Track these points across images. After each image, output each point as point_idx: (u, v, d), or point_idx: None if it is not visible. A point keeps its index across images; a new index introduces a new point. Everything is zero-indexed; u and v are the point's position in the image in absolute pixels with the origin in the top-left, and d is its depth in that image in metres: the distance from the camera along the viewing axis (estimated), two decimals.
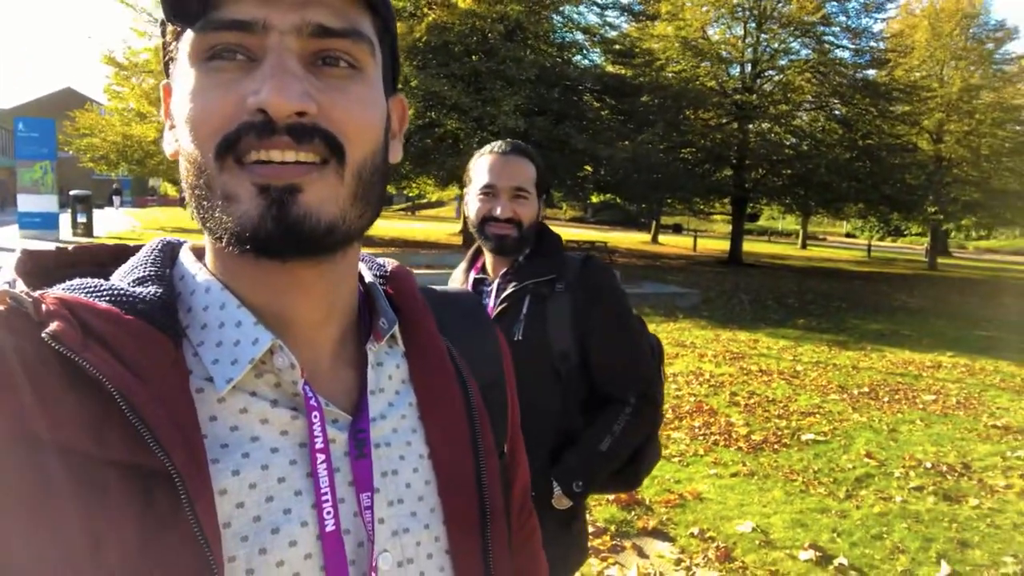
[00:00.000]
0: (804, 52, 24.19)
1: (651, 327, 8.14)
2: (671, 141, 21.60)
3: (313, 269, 0.61)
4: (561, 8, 20.50)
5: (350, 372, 0.67)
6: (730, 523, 4.21)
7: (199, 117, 0.56)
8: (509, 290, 1.90)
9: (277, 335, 0.61)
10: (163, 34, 0.62)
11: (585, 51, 22.02)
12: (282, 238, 0.56)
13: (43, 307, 0.53)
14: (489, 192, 1.86)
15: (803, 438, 5.84)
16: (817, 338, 10.62)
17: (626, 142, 19.10)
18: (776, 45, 23.97)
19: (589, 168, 19.83)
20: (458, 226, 26.47)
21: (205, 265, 0.64)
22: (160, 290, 0.60)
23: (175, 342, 0.58)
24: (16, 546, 0.48)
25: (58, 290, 0.56)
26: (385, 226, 27.42)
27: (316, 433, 0.61)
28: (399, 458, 0.67)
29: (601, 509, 4.30)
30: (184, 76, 0.58)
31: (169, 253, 0.66)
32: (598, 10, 21.51)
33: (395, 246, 18.06)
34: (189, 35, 0.57)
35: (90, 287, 0.58)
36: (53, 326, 0.51)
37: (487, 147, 1.94)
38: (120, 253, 0.67)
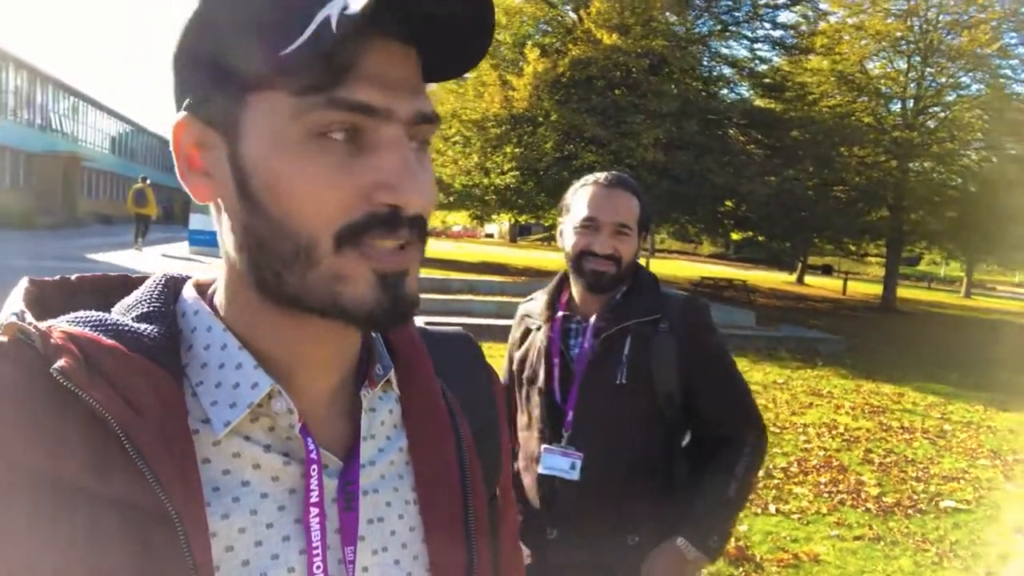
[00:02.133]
0: (975, 87, 22.46)
1: (785, 374, 7.82)
2: (821, 178, 20.62)
3: (339, 323, 0.61)
4: (708, 43, 20.25)
5: (342, 418, 0.68)
6: None
7: (311, 197, 0.56)
8: (611, 330, 1.84)
9: (276, 379, 0.62)
10: (196, 70, 0.59)
11: (732, 84, 21.57)
12: (394, 318, 0.59)
13: (50, 340, 0.54)
14: (589, 225, 1.79)
15: (942, 505, 5.36)
16: (971, 396, 9.72)
17: (772, 178, 18.45)
18: (943, 79, 22.39)
19: (730, 203, 19.30)
20: None
21: (208, 303, 0.65)
22: (164, 328, 0.61)
23: (176, 381, 0.59)
24: None
25: (63, 323, 0.57)
26: (520, 255, 27.85)
27: (312, 486, 0.62)
28: (385, 504, 0.67)
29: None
30: (276, 142, 0.56)
31: (173, 288, 0.67)
32: (748, 44, 21.05)
33: (527, 275, 18.30)
34: (289, 101, 0.55)
35: (95, 321, 0.59)
36: (61, 362, 0.52)
37: (589, 177, 1.88)
38: (124, 283, 0.69)
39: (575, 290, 1.92)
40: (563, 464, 1.83)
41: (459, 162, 18.66)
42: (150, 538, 0.52)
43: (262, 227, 0.58)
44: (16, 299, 0.59)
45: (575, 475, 1.82)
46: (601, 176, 1.86)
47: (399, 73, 0.57)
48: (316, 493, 0.61)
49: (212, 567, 0.55)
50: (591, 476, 1.80)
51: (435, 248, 25.97)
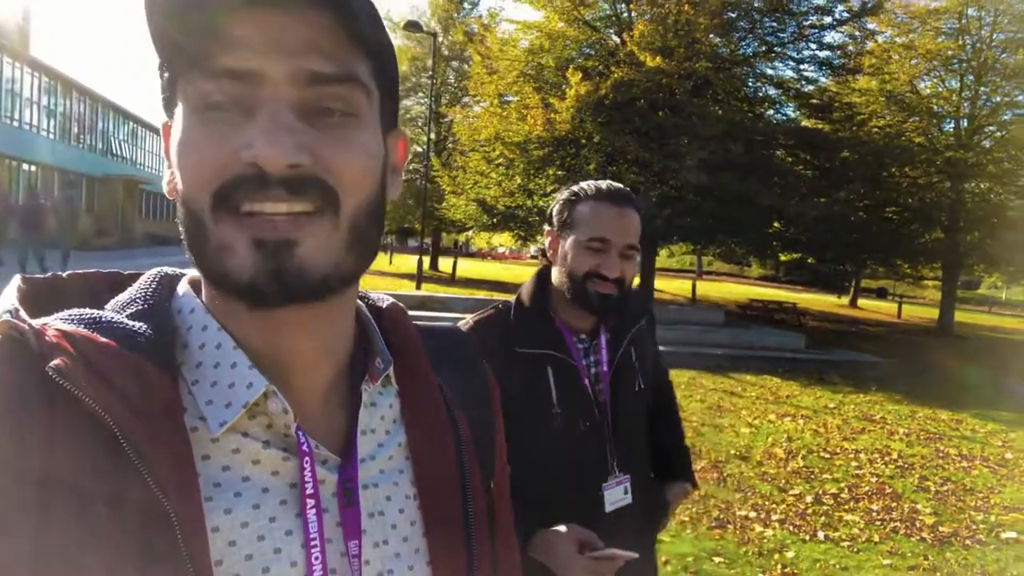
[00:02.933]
0: None
1: (837, 398, 7.64)
2: (872, 199, 20.17)
3: (307, 312, 0.61)
4: (753, 64, 20.06)
5: (342, 412, 0.68)
6: None
7: (194, 166, 0.57)
8: (624, 342, 1.80)
9: (271, 377, 0.61)
10: (160, 75, 0.62)
11: (778, 105, 21.29)
12: (277, 291, 0.57)
13: (44, 338, 0.53)
14: (599, 248, 1.66)
15: (1003, 536, 5.12)
16: None
17: (821, 199, 18.12)
18: (998, 98, 21.77)
19: (778, 225, 18.99)
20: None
21: (203, 300, 0.65)
22: (158, 325, 0.61)
23: (172, 379, 0.59)
24: None
25: (58, 321, 0.57)
26: None
27: (307, 479, 0.62)
28: (386, 499, 0.67)
29: None
30: (181, 122, 0.59)
31: (167, 285, 0.67)
32: (794, 64, 20.79)
33: None
34: (184, 82, 0.58)
35: (89, 319, 0.58)
36: (56, 360, 0.52)
37: (588, 186, 1.72)
38: (115, 281, 0.69)
39: (562, 308, 1.73)
40: (620, 494, 1.75)
41: (502, 184, 18.76)
42: (147, 536, 0.52)
43: (179, 209, 0.60)
44: (9, 297, 0.58)
45: (629, 498, 1.76)
46: (604, 187, 1.70)
47: (279, 35, 0.56)
48: (311, 486, 0.61)
49: (210, 564, 0.55)
50: (634, 489, 1.78)
51: (481, 269, 26.14)
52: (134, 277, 0.68)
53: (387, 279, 21.54)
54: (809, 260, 21.10)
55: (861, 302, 32.71)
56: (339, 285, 0.61)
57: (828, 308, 27.87)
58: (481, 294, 15.79)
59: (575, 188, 1.74)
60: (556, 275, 1.73)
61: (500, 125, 18.22)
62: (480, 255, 54.77)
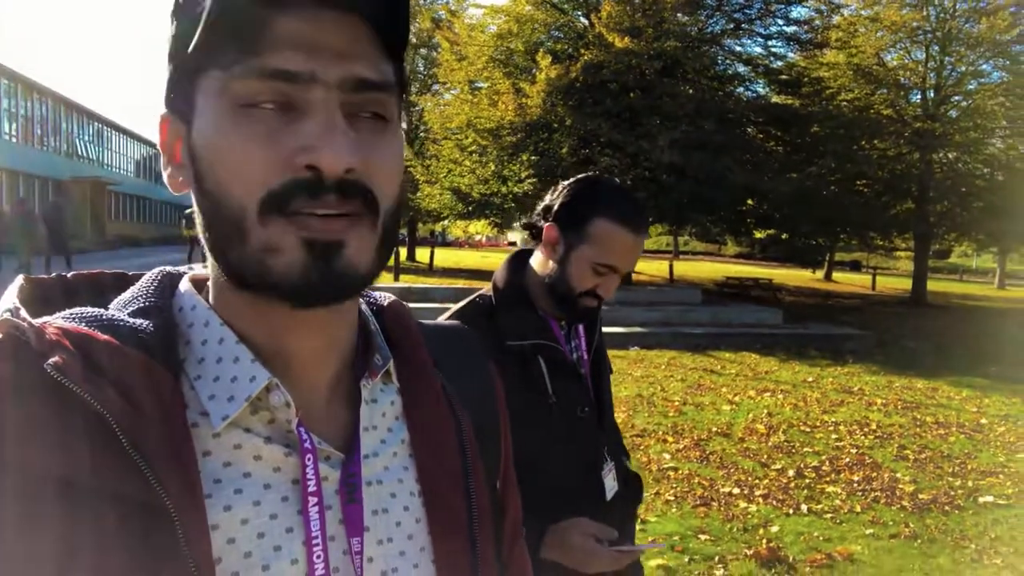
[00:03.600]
0: (996, 75, 22.04)
1: (815, 372, 7.72)
2: (843, 173, 20.35)
3: (322, 312, 0.61)
4: (722, 42, 20.11)
5: (344, 409, 0.67)
6: None
7: (238, 167, 0.56)
8: (596, 326, 1.79)
9: (274, 372, 0.61)
10: (173, 67, 0.61)
11: (748, 82, 21.38)
12: (327, 291, 0.57)
13: (44, 337, 0.53)
14: (606, 273, 1.59)
15: (981, 500, 5.22)
16: (1008, 389, 9.46)
17: (793, 175, 18.24)
18: (963, 68, 22.01)
19: (751, 202, 19.12)
20: None
21: (205, 297, 0.65)
22: (160, 322, 0.61)
23: (174, 375, 0.58)
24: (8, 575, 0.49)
25: (59, 319, 0.57)
26: None
27: (309, 476, 0.61)
28: (390, 496, 0.67)
29: (738, 564, 4.06)
30: (212, 118, 0.57)
31: (169, 283, 0.67)
32: (762, 41, 20.88)
33: None
34: (219, 76, 0.56)
35: (90, 316, 0.58)
36: (55, 357, 0.52)
37: (608, 197, 1.61)
38: (121, 281, 0.69)
39: (541, 296, 1.66)
40: (612, 481, 1.71)
41: (476, 171, 18.67)
42: (148, 533, 0.52)
43: (208, 206, 0.58)
44: (11, 297, 0.58)
45: (617, 485, 1.72)
46: (625, 208, 1.59)
47: (328, 38, 0.56)
48: (313, 482, 0.61)
49: (212, 561, 0.54)
50: (618, 474, 1.75)
51: (459, 258, 26.09)
52: (139, 277, 0.68)
53: None
54: (784, 236, 21.23)
55: (836, 275, 33.09)
56: (372, 283, 0.62)
57: (804, 283, 28.17)
58: (460, 283, 15.75)
59: (593, 189, 1.62)
60: (546, 267, 1.64)
61: (471, 112, 18.13)
62: (457, 244, 54.63)
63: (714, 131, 17.08)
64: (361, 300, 0.74)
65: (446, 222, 22.29)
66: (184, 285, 0.67)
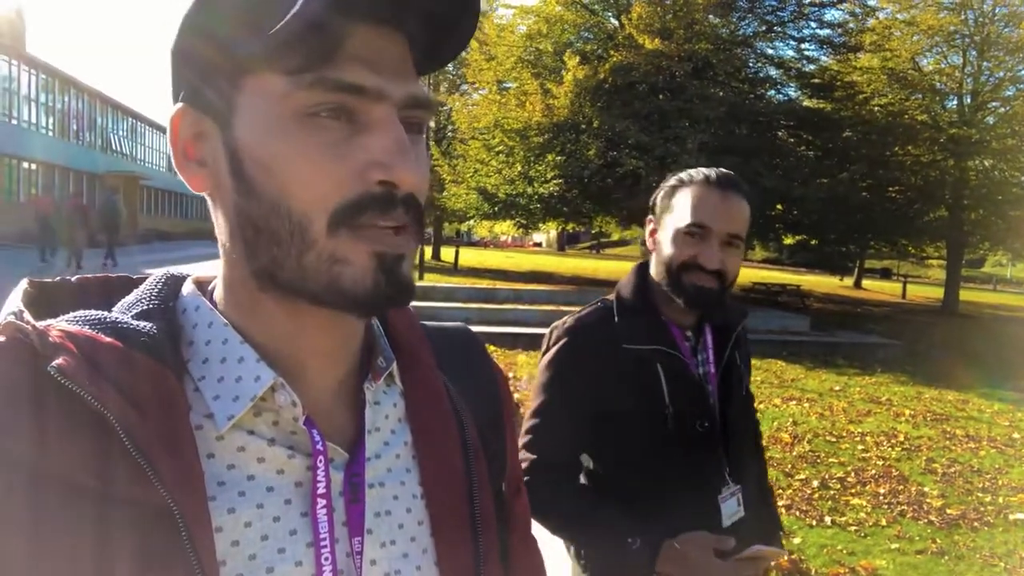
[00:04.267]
0: None
1: (842, 380, 7.57)
2: (875, 179, 20.04)
3: (339, 315, 0.62)
4: (754, 44, 19.90)
5: (348, 410, 0.67)
6: None
7: (306, 176, 0.56)
8: (730, 341, 1.66)
9: (282, 374, 0.61)
10: (196, 62, 0.60)
11: (780, 86, 21.14)
12: (396, 301, 0.60)
13: (48, 339, 0.53)
14: (697, 233, 1.52)
15: (1011, 517, 5.08)
16: None
17: (824, 180, 17.99)
18: (1001, 74, 21.56)
19: (780, 207, 18.89)
20: None
21: (208, 299, 0.65)
22: (163, 324, 0.61)
23: (177, 377, 0.59)
24: None
25: (62, 322, 0.57)
26: (568, 263, 27.77)
27: (319, 478, 0.61)
28: (393, 498, 0.67)
29: None
30: (268, 123, 0.57)
31: (173, 286, 0.67)
32: (794, 44, 20.63)
33: (574, 283, 18.20)
34: (282, 82, 0.56)
35: (94, 319, 0.59)
36: (58, 360, 0.52)
37: (694, 172, 1.59)
38: (125, 285, 0.69)
39: (664, 303, 1.61)
40: (734, 506, 1.59)
41: (503, 172, 18.65)
42: (153, 536, 0.52)
43: (257, 210, 0.58)
44: (15, 300, 0.59)
45: (743, 511, 1.60)
46: (711, 174, 1.56)
47: (389, 56, 0.58)
48: (323, 485, 0.61)
49: (216, 564, 0.55)
50: (745, 502, 1.63)
51: (483, 258, 26.12)
52: (142, 280, 0.69)
53: None
54: (813, 242, 20.95)
55: (865, 283, 32.62)
56: None
57: (832, 290, 27.80)
58: (484, 283, 15.75)
59: (680, 175, 1.62)
60: (654, 267, 1.62)
61: (499, 112, 18.12)
62: (482, 244, 54.73)
63: (744, 135, 16.91)
64: None
65: (472, 222, 22.30)
66: (187, 287, 0.67)
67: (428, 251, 23.38)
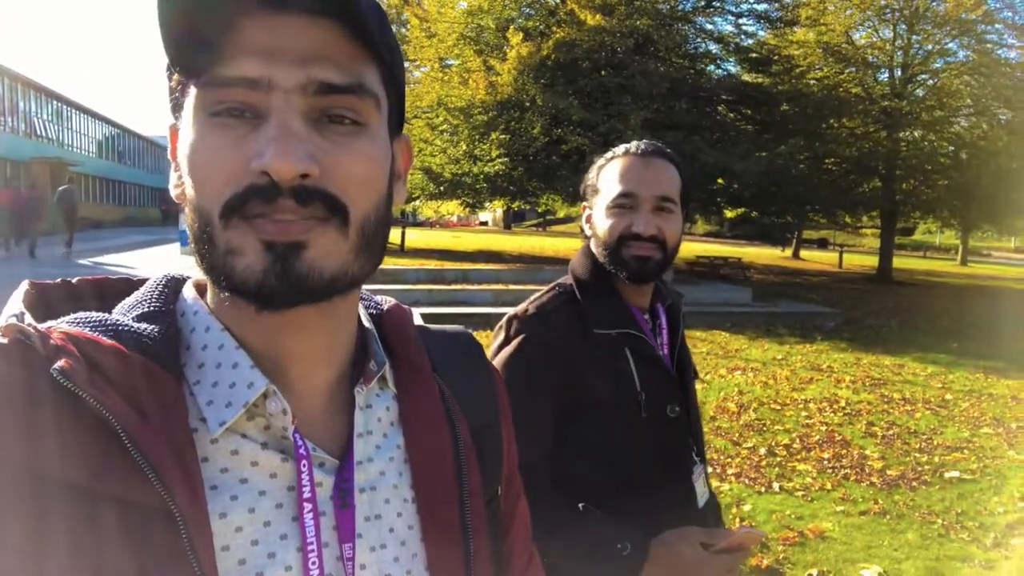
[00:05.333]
0: (962, 53, 22.31)
1: (784, 349, 7.72)
2: (813, 152, 20.52)
3: (311, 314, 0.62)
4: (693, 19, 20.05)
5: (340, 414, 0.67)
6: (854, 566, 3.89)
7: (204, 174, 0.58)
8: (681, 319, 1.64)
9: (272, 378, 0.62)
10: (168, 78, 0.62)
11: (719, 61, 21.39)
12: (285, 293, 0.58)
13: (49, 341, 0.54)
14: (625, 203, 1.49)
15: (947, 475, 5.32)
16: (971, 364, 9.68)
17: (763, 154, 18.34)
18: (930, 47, 22.23)
19: (721, 181, 19.20)
20: None
21: (207, 303, 0.65)
22: (164, 327, 0.62)
23: (176, 380, 0.59)
24: None
25: (63, 324, 0.57)
26: (516, 241, 27.76)
27: (304, 482, 0.61)
28: (384, 502, 0.67)
29: None
30: (190, 127, 0.59)
31: (173, 288, 0.68)
32: (732, 19, 20.87)
33: (522, 262, 18.21)
34: (193, 87, 0.58)
35: (95, 321, 0.59)
36: (60, 362, 0.52)
37: (618, 148, 1.57)
38: (125, 286, 0.69)
39: (619, 284, 1.57)
40: (702, 486, 1.57)
41: (447, 151, 18.49)
42: (153, 537, 0.53)
43: (188, 213, 0.60)
44: (16, 301, 0.59)
45: (707, 492, 1.59)
46: (631, 145, 1.54)
47: (289, 43, 0.57)
48: (308, 489, 0.61)
49: (216, 565, 0.55)
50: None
51: (430, 238, 25.92)
52: (143, 282, 0.69)
53: None
54: (753, 215, 21.39)
55: (803, 253, 33.52)
56: (344, 288, 0.62)
57: (772, 261, 28.49)
58: (432, 264, 15.64)
59: (604, 155, 1.60)
60: (595, 248, 1.57)
61: (442, 90, 17.90)
62: (429, 224, 54.37)
63: (685, 110, 17.07)
64: (361, 305, 0.75)
65: (417, 203, 22.09)
66: (187, 290, 0.67)
67: None
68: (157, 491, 0.53)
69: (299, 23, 0.57)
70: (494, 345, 1.54)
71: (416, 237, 25.34)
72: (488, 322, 7.85)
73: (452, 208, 22.94)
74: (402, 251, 19.21)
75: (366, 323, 0.73)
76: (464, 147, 18.20)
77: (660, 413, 1.50)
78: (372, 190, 0.62)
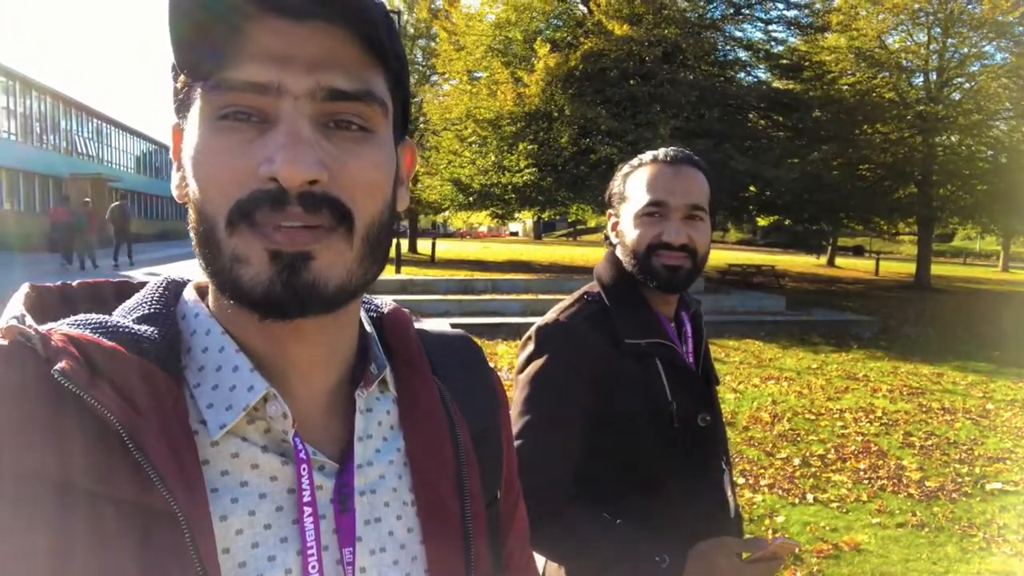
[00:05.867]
0: (1000, 56, 21.87)
1: (819, 358, 7.52)
2: (846, 158, 20.24)
3: (314, 322, 0.61)
4: (722, 27, 19.95)
5: (340, 418, 0.67)
6: None
7: (211, 178, 0.57)
8: (703, 329, 1.61)
9: (272, 381, 0.62)
10: (174, 79, 0.62)
11: (749, 68, 21.25)
12: (291, 304, 0.58)
13: (50, 343, 0.54)
14: (656, 212, 1.46)
15: (988, 487, 5.17)
16: (1014, 373, 9.41)
17: (796, 160, 18.13)
18: (966, 50, 21.83)
19: (753, 189, 19.02)
20: None
21: (207, 306, 0.65)
22: (164, 330, 0.62)
23: (176, 382, 0.59)
24: None
25: (64, 326, 0.57)
26: (546, 251, 27.80)
27: (304, 486, 0.61)
28: (384, 505, 0.67)
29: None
30: (196, 129, 0.59)
31: (174, 291, 0.67)
32: (762, 25, 20.70)
33: (552, 271, 18.20)
34: (200, 89, 0.58)
35: (95, 323, 0.59)
36: (62, 364, 0.52)
37: (646, 155, 1.54)
38: (124, 289, 0.69)
39: (646, 293, 1.53)
40: (729, 494, 1.53)
41: (476, 162, 18.58)
42: (155, 539, 0.53)
43: (192, 216, 0.60)
44: (16, 304, 0.59)
45: (734, 500, 1.55)
46: (660, 152, 1.51)
47: (300, 49, 0.57)
48: (308, 493, 0.61)
49: (218, 566, 0.55)
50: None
51: (460, 249, 26.05)
52: (142, 286, 0.69)
53: None
54: (786, 222, 21.15)
55: (839, 261, 33.01)
56: (349, 298, 0.62)
57: (806, 269, 28.10)
58: (461, 274, 15.70)
59: (630, 161, 1.57)
60: (623, 258, 1.53)
61: (471, 102, 18.04)
62: (459, 234, 54.54)
63: (715, 118, 16.95)
64: (361, 309, 0.74)
65: (447, 213, 22.21)
66: (188, 293, 0.67)
67: (405, 244, 23.26)
68: (160, 493, 0.52)
69: (309, 29, 0.57)
70: (522, 356, 1.50)
71: (447, 248, 25.47)
72: (517, 332, 7.84)
73: (482, 219, 23.01)
74: (432, 262, 19.32)
75: (367, 326, 0.73)
76: (493, 158, 18.28)
77: (691, 422, 1.47)
78: (377, 197, 0.62)
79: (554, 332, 1.48)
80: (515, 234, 60.44)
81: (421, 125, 24.94)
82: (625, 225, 1.52)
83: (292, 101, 0.57)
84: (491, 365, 0.85)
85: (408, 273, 16.27)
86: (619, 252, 1.56)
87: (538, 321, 1.53)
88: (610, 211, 1.60)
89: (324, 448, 0.65)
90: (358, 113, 0.60)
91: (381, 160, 0.62)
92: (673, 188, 1.46)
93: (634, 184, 1.51)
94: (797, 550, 1.34)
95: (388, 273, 17.11)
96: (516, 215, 22.29)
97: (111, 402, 0.53)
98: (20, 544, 0.49)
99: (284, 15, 0.57)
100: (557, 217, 25.45)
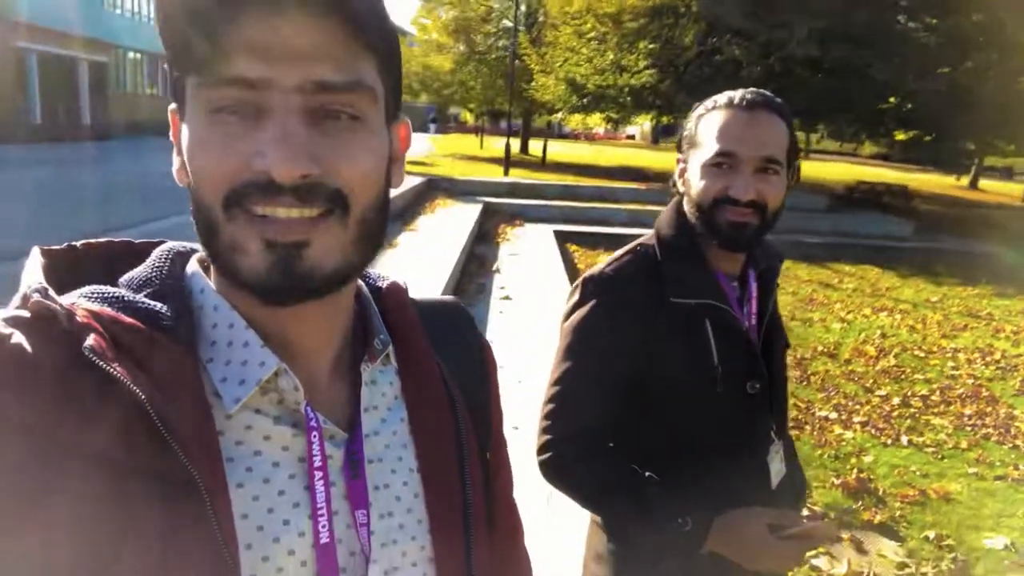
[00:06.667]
0: None
1: (941, 291, 7.09)
2: (1004, 68, 18.19)
3: (313, 304, 0.64)
4: None
5: (346, 390, 0.71)
6: (978, 534, 3.66)
7: (205, 168, 0.59)
8: (772, 288, 1.52)
9: (278, 355, 0.65)
10: (170, 70, 0.64)
11: None
12: (288, 290, 0.60)
13: (75, 319, 0.57)
14: (724, 162, 1.35)
15: None
16: None
17: (946, 69, 16.47)
18: None
19: (893, 101, 17.52)
20: None
21: (211, 279, 0.68)
22: (177, 305, 0.64)
23: (192, 357, 0.62)
24: (40, 549, 0.52)
25: (84, 300, 0.61)
26: (661, 159, 26.86)
27: (315, 452, 0.65)
28: (390, 472, 0.71)
29: (823, 492, 3.98)
30: (191, 119, 0.61)
31: (180, 264, 0.70)
32: None
33: (665, 181, 17.67)
34: (193, 82, 0.60)
35: (113, 298, 0.62)
36: (90, 340, 0.55)
37: (718, 97, 1.41)
38: (128, 251, 0.71)
39: (708, 248, 1.44)
40: (778, 464, 1.49)
41: (594, 61, 17.94)
42: (177, 507, 0.56)
43: (192, 202, 0.62)
44: (35, 273, 0.61)
45: (784, 469, 1.51)
46: (735, 95, 1.38)
47: (287, 41, 0.57)
48: (319, 459, 0.65)
49: (235, 532, 0.59)
50: (786, 456, 1.54)
51: (573, 152, 25.64)
52: (146, 247, 0.71)
53: (476, 164, 21.49)
54: (926, 138, 19.47)
55: (983, 183, 30.34)
56: (346, 279, 0.65)
57: (944, 190, 26.06)
58: (569, 179, 15.54)
59: (704, 102, 1.44)
60: (687, 209, 1.44)
61: None
62: (573, 136, 53.55)
63: (863, 23, 15.49)
64: (361, 282, 0.77)
65: (560, 115, 21.77)
66: (192, 267, 0.69)
67: (516, 144, 23.10)
68: (183, 463, 0.55)
69: (295, 22, 0.58)
70: (568, 305, 1.48)
71: (559, 150, 25.11)
72: (621, 243, 7.80)
73: (597, 121, 22.44)
74: (543, 165, 19.14)
75: (368, 300, 0.76)
76: (611, 56, 17.58)
77: (737, 388, 1.41)
78: (371, 182, 0.63)
79: (600, 283, 1.44)
80: (631, 137, 58.76)
81: (540, 18, 24.20)
82: (692, 174, 1.41)
83: (281, 95, 0.58)
84: (479, 331, 0.90)
85: (516, 175, 16.24)
86: (684, 202, 1.47)
87: (587, 271, 1.50)
88: (679, 156, 1.49)
89: (332, 419, 0.68)
90: (348, 103, 0.60)
91: (373, 146, 0.63)
92: (745, 137, 1.34)
93: (705, 129, 1.39)
94: (836, 537, 1.27)
95: (496, 175, 17.10)
96: (632, 119, 21.58)
97: (134, 376, 0.56)
98: (47, 511, 0.52)
99: (269, 8, 0.57)
100: (673, 122, 24.42)
